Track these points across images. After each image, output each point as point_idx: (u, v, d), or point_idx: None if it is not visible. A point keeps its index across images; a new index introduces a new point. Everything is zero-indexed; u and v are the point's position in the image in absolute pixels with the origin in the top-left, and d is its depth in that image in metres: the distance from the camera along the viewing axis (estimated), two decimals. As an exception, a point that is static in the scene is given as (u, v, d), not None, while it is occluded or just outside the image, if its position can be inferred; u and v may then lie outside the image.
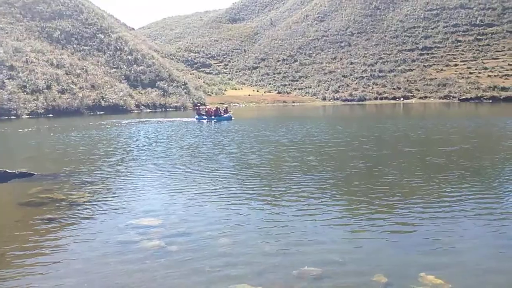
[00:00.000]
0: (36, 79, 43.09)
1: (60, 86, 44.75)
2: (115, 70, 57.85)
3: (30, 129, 24.75)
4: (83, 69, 51.71)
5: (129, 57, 61.60)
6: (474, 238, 5.30)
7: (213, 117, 29.87)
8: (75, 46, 58.71)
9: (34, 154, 13.96)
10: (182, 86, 63.93)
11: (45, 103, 41.01)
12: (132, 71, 59.20)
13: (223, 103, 70.85)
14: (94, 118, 35.71)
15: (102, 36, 63.20)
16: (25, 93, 40.74)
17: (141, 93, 55.85)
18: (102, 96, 46.85)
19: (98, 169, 10.50)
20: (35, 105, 40.11)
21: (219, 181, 8.83)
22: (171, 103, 56.88)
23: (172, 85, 61.96)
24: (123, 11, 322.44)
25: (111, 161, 11.72)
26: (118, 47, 62.75)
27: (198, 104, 39.21)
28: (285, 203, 7.04)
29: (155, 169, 10.46)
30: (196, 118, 30.80)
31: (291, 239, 5.40)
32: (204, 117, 30.39)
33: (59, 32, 58.73)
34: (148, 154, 12.98)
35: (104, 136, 18.97)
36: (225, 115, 30.27)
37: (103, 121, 30.41)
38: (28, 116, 37.91)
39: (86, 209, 6.92)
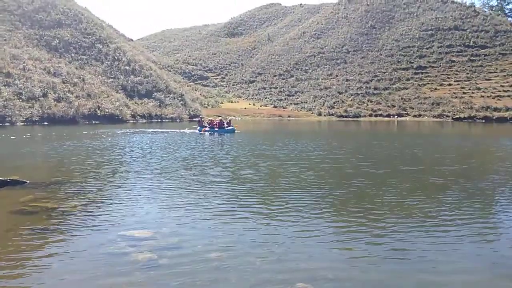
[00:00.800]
0: (32, 86, 43.05)
1: (56, 94, 44.70)
2: (112, 80, 57.99)
3: (24, 136, 24.61)
4: (80, 78, 51.78)
5: (127, 68, 61.84)
6: (471, 260, 5.31)
7: (216, 129, 29.64)
8: (73, 55, 58.91)
9: (27, 162, 13.85)
10: (179, 98, 64.11)
11: (40, 111, 40.87)
12: (129, 82, 59.34)
13: (219, 116, 71.14)
14: (89, 127, 35.60)
15: (101, 46, 63.52)
16: (20, 100, 40.63)
17: (138, 104, 55.89)
18: (98, 106, 46.81)
19: (91, 179, 10.42)
20: (30, 112, 39.96)
21: (213, 195, 8.79)
22: (167, 114, 56.89)
23: (168, 96, 62.14)
24: (122, 22, 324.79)
25: (105, 171, 11.65)
26: (116, 57, 63.04)
27: (200, 116, 39.06)
28: (279, 219, 7.02)
29: (149, 181, 10.37)
30: (198, 130, 30.57)
31: (283, 254, 5.37)
32: (207, 128, 30.20)
33: (58, 41, 58.96)
34: (142, 166, 12.91)
35: (98, 146, 18.89)
36: (229, 128, 30.00)
37: (98, 130, 30.31)
38: (23, 124, 37.73)
39: (77, 219, 6.86)
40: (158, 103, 58.39)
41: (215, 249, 5.52)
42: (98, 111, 46.22)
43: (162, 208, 7.63)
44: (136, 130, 33.27)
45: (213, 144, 21.33)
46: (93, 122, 43.88)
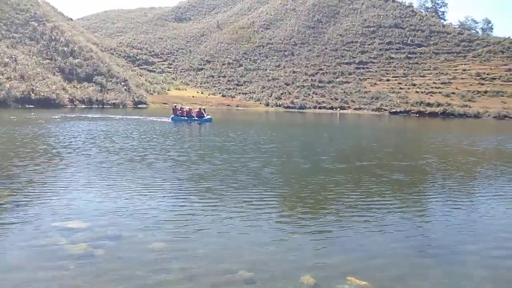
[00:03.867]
0: (-46, 65, 38.94)
1: (-17, 75, 40.88)
2: (48, 61, 54.08)
3: None
4: (12, 58, 47.64)
5: (65, 49, 57.88)
6: (398, 243, 5.71)
7: (196, 118, 28.27)
8: (3, 32, 53.98)
9: None
10: (122, 83, 61.41)
11: (-36, 92, 37.21)
12: (68, 64, 55.62)
13: (166, 103, 69.29)
14: (22, 112, 33.05)
15: (36, 24, 58.79)
16: None
17: (76, 87, 52.74)
18: (32, 89, 43.53)
19: (22, 168, 9.78)
20: (-49, 93, 36.22)
21: (154, 184, 8.64)
22: (109, 100, 54.26)
23: (111, 80, 59.25)
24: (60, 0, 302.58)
25: (39, 160, 11.01)
26: (53, 37, 58.72)
27: (175, 104, 35.80)
28: (221, 207, 7.06)
29: (86, 170, 9.97)
30: (172, 119, 28.41)
31: (224, 243, 5.40)
32: (184, 118, 28.40)
33: (-16, 16, 53.67)
34: (80, 155, 12.31)
35: (32, 132, 17.68)
36: (207, 117, 28.81)
37: (33, 114, 28.25)
38: None
39: (7, 211, 6.45)
40: (99, 88, 55.47)
41: (156, 239, 5.37)
42: (32, 95, 43.00)
43: (99, 198, 7.31)
44: (88, 116, 31.35)
45: (159, 134, 20.83)
46: (26, 106, 40.77)
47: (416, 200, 8.57)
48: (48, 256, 4.80)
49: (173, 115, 28.87)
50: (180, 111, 29.31)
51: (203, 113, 29.12)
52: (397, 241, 5.78)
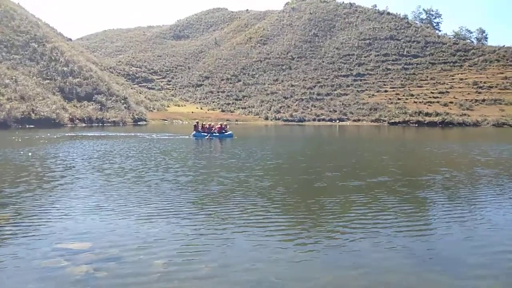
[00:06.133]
0: (-45, 87, 39.38)
1: (-16, 96, 41.31)
2: (48, 81, 54.67)
3: None
4: (12, 79, 48.19)
5: (65, 69, 58.60)
6: (407, 259, 5.54)
7: (217, 134, 27.98)
8: (3, 54, 54.75)
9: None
10: (122, 101, 61.96)
11: (-35, 114, 37.55)
12: (67, 83, 56.20)
13: (165, 120, 69.67)
14: (22, 132, 33.26)
15: (36, 45, 59.66)
16: None
17: (76, 107, 53.19)
18: (32, 109, 43.92)
19: (24, 189, 9.75)
20: (-48, 115, 36.54)
21: (155, 203, 8.47)
22: (109, 118, 54.70)
23: (110, 99, 59.81)
24: (60, 21, 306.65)
25: (40, 181, 10.95)
26: (53, 58, 59.51)
27: (197, 121, 35.03)
28: (222, 225, 6.95)
29: (88, 191, 9.79)
30: (194, 135, 28.16)
31: (226, 260, 5.30)
32: (205, 134, 28.03)
33: (-15, 38, 54.50)
34: (80, 175, 12.20)
35: (34, 153, 17.80)
36: (227, 133, 28.58)
37: (33, 135, 28.44)
38: None
39: (7, 231, 6.41)
40: (99, 106, 55.98)
41: (158, 259, 5.30)
42: (33, 115, 43.36)
43: (101, 219, 7.21)
44: (101, 134, 31.51)
45: (170, 150, 20.90)
46: (27, 126, 41.07)
47: (429, 211, 8.44)
48: (49, 278, 4.72)
49: (194, 132, 28.71)
50: (201, 128, 29.17)
51: (225, 128, 29.08)
52: (405, 256, 5.67)
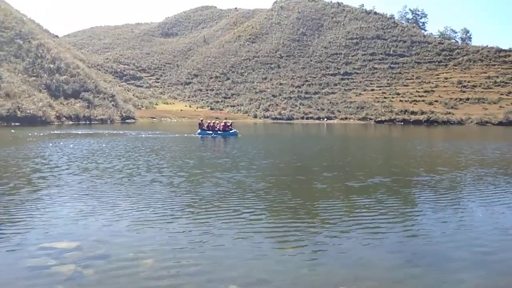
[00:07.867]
0: None
1: (-32, 93, 40.69)
2: (34, 78, 53.98)
3: None
4: (-4, 76, 47.57)
5: (51, 66, 57.90)
6: (393, 254, 5.64)
7: (221, 132, 28.25)
8: (-13, 50, 53.88)
9: None
10: (110, 98, 61.51)
11: None
12: (54, 81, 55.55)
13: (154, 118, 69.43)
14: (7, 130, 32.87)
15: (21, 42, 58.82)
16: None
17: (63, 104, 52.68)
18: (18, 106, 43.41)
19: (9, 187, 9.54)
20: None
21: (142, 200, 8.39)
22: (96, 115, 54.35)
23: (98, 96, 59.33)
24: (46, 17, 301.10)
25: (27, 180, 10.73)
26: (39, 55, 58.75)
27: (201, 119, 35.17)
28: (211, 222, 6.89)
29: (74, 188, 9.62)
30: (199, 133, 28.52)
31: (217, 258, 5.29)
32: (209, 132, 28.45)
33: (-31, 34, 53.53)
34: (68, 173, 11.95)
35: (18, 151, 17.76)
36: (232, 131, 28.80)
37: (15, 132, 28.19)
38: None
39: (-7, 231, 6.26)
40: (87, 104, 55.52)
41: (145, 256, 5.27)
42: (18, 112, 42.87)
43: (88, 217, 7.04)
44: (91, 132, 31.24)
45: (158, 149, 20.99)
46: (13, 124, 40.59)
47: (415, 209, 8.59)
48: (36, 277, 4.63)
49: (199, 130, 29.04)
50: (206, 126, 29.53)
51: (229, 127, 29.32)
52: (391, 251, 5.74)
